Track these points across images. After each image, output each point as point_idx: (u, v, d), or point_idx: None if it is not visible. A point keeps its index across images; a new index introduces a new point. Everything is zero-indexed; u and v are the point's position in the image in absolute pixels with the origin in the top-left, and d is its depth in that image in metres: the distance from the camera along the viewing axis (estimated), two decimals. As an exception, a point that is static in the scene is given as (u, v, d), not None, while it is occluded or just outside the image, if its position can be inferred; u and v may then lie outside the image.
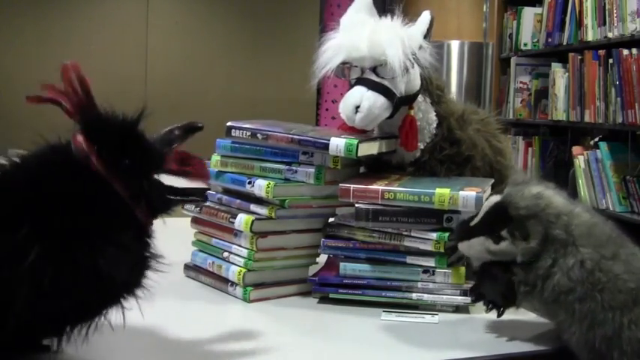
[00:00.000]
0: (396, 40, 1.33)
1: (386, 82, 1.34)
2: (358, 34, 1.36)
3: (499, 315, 1.18)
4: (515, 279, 1.10)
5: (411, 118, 1.40)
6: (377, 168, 1.47)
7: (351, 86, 1.37)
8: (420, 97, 1.42)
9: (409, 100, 1.40)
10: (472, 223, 1.15)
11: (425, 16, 1.38)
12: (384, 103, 1.34)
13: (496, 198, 1.14)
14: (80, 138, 0.95)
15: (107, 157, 0.94)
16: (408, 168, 1.45)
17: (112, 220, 0.93)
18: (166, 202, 1.01)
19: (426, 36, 1.37)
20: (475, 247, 1.14)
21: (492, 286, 1.15)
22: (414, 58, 1.34)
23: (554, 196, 1.11)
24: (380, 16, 1.41)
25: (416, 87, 1.40)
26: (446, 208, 1.27)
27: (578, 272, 1.06)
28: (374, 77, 1.35)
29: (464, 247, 1.17)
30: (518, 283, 1.10)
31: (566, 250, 1.07)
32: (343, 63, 1.37)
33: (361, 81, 1.35)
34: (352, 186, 1.31)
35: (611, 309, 1.04)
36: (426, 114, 1.43)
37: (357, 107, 1.33)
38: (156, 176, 1.00)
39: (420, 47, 1.35)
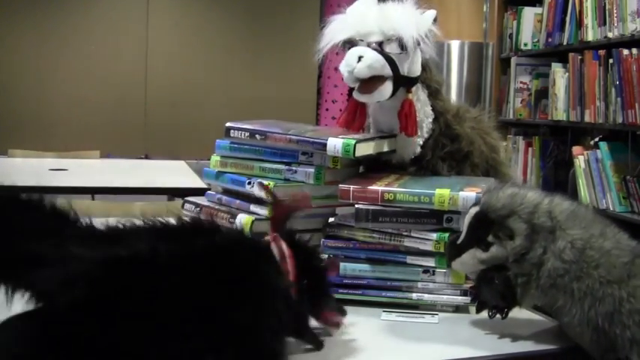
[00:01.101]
0: (408, 16, 1.35)
1: (391, 55, 1.35)
2: (366, 11, 1.38)
3: (504, 317, 1.17)
4: (511, 273, 1.11)
5: (409, 101, 1.41)
6: (377, 168, 1.48)
7: None
8: (419, 87, 1.43)
9: (409, 82, 1.40)
10: (459, 241, 1.16)
11: (431, 12, 1.39)
12: (386, 65, 1.35)
13: (474, 209, 1.15)
14: (282, 243, 1.03)
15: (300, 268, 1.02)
16: (409, 167, 1.46)
17: (282, 332, 0.98)
18: (299, 331, 1.05)
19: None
20: (468, 262, 1.15)
21: (490, 288, 1.15)
22: (423, 38, 1.35)
23: (528, 192, 1.13)
24: None
25: (417, 71, 1.41)
26: (446, 208, 1.27)
27: (570, 253, 1.07)
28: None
29: (457, 265, 1.18)
30: (515, 276, 1.11)
31: (555, 236, 1.09)
32: (350, 39, 1.37)
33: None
34: (352, 187, 1.31)
35: (609, 283, 1.05)
36: (423, 106, 1.44)
37: (361, 57, 1.33)
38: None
39: (430, 31, 1.37)
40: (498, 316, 1.18)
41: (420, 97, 1.43)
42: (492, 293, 1.15)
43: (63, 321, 0.83)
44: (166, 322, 0.85)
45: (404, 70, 1.37)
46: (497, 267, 1.13)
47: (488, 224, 1.12)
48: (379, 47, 1.36)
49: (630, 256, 1.07)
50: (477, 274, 1.17)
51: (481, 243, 1.13)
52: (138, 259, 0.88)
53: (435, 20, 1.38)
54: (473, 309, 1.29)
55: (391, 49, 1.35)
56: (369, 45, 1.36)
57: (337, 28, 1.39)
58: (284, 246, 1.02)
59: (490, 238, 1.11)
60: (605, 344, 1.05)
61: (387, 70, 1.35)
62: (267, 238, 1.05)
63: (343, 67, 1.36)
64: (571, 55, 3.89)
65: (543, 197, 1.13)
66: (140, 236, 0.93)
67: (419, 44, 1.36)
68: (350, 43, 1.38)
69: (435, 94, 1.46)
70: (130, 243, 0.90)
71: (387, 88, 1.36)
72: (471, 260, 1.14)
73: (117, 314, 0.83)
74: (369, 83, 1.35)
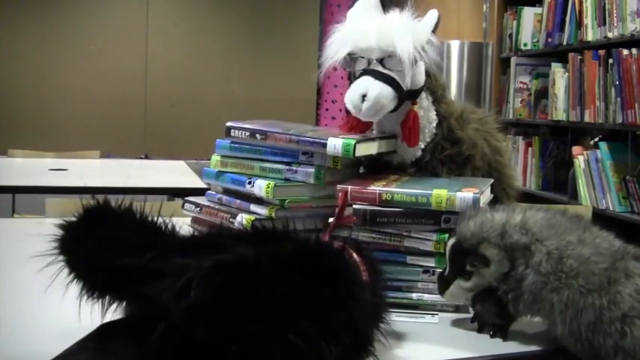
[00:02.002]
0: (405, 32, 1.33)
1: (393, 74, 1.34)
2: (366, 25, 1.37)
3: (503, 336, 1.17)
4: (501, 292, 1.12)
5: (414, 113, 1.40)
6: (377, 168, 1.48)
7: (356, 77, 1.37)
8: (423, 94, 1.42)
9: (413, 94, 1.40)
10: (446, 273, 1.18)
11: (432, 14, 1.38)
12: (390, 93, 1.34)
13: (451, 241, 1.16)
14: (351, 250, 1.05)
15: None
16: (409, 168, 1.45)
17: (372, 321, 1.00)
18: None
19: (433, 32, 1.37)
20: (456, 293, 1.17)
21: (485, 309, 1.16)
22: (421, 52, 1.34)
23: (495, 214, 1.13)
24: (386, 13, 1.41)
25: (420, 82, 1.40)
26: (443, 209, 1.26)
27: (547, 265, 1.07)
28: (380, 69, 1.35)
29: (447, 297, 1.19)
30: (505, 294, 1.11)
31: (532, 250, 1.08)
32: (350, 54, 1.37)
33: (368, 72, 1.35)
34: (350, 187, 1.31)
35: (589, 292, 1.04)
36: (427, 112, 1.44)
37: (364, 96, 1.33)
38: None
39: (428, 42, 1.35)
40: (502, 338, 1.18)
41: (423, 104, 1.43)
42: (488, 313, 1.16)
43: (181, 329, 0.83)
44: (280, 323, 0.86)
45: (407, 84, 1.36)
46: (488, 288, 1.14)
47: (463, 255, 1.13)
48: (380, 64, 1.35)
49: (610, 261, 1.05)
50: (470, 299, 1.18)
51: (463, 273, 1.14)
52: (245, 264, 0.89)
53: (437, 24, 1.36)
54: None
55: (392, 65, 1.34)
56: (369, 63, 1.35)
57: (338, 44, 1.37)
58: (357, 257, 1.04)
59: (468, 268, 1.13)
60: (591, 353, 1.04)
61: (392, 95, 1.34)
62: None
63: (348, 104, 1.36)
64: (571, 55, 3.90)
65: (512, 214, 1.12)
66: (233, 242, 0.95)
67: (417, 60, 1.34)
68: (351, 58, 1.37)
69: (440, 100, 1.45)
70: (230, 249, 0.91)
71: (390, 105, 1.36)
72: (458, 291, 1.16)
73: (233, 319, 0.84)
74: None
